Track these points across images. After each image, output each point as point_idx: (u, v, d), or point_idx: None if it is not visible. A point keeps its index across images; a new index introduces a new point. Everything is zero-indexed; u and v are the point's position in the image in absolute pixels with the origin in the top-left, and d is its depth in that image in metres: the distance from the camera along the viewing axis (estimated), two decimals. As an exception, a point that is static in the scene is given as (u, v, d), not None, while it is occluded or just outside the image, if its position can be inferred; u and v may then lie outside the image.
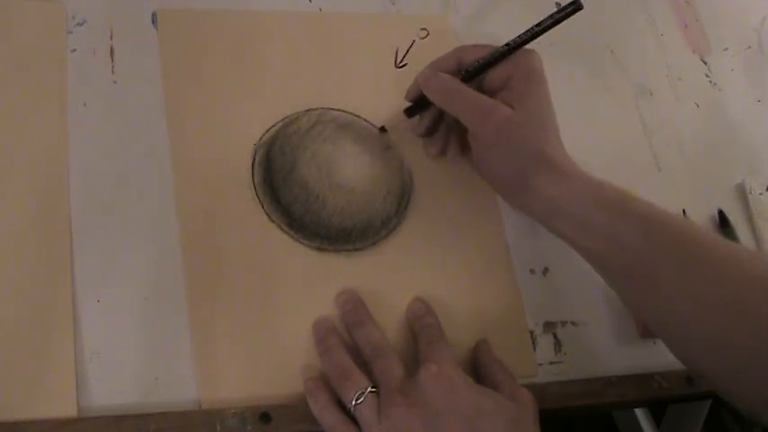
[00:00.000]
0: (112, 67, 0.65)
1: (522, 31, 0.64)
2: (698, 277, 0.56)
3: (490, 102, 0.63)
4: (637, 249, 0.58)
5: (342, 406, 0.55)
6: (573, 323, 0.66)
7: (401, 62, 0.73)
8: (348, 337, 0.60)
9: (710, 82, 0.85)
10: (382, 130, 0.69)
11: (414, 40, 0.74)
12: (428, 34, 0.75)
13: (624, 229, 0.58)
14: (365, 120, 0.69)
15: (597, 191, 0.60)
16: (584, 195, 0.60)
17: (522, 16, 0.80)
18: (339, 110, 0.69)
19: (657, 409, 1.17)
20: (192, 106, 0.65)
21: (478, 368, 0.60)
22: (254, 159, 0.64)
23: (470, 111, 0.63)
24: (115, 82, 0.64)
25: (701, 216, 0.75)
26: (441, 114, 0.67)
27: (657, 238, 0.57)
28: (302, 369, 0.58)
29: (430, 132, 0.68)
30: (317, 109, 0.68)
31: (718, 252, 0.57)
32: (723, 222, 0.75)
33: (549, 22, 0.63)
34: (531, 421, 0.56)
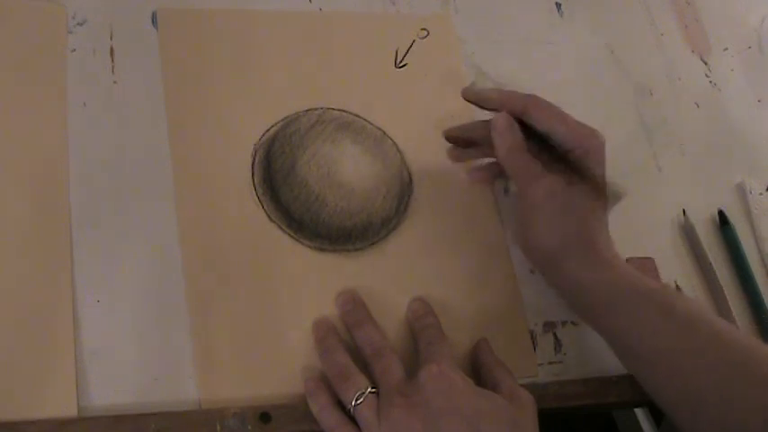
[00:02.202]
0: (112, 67, 0.65)
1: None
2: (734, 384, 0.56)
3: (544, 171, 0.62)
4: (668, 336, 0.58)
5: (342, 407, 0.55)
6: (573, 323, 0.66)
7: (401, 62, 0.73)
8: (348, 337, 0.60)
9: (710, 82, 0.85)
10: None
11: (414, 40, 0.74)
12: (428, 34, 0.75)
13: (651, 314, 0.59)
14: (365, 120, 0.69)
15: (631, 283, 0.60)
16: (614, 285, 0.60)
17: (521, 16, 0.80)
18: (339, 110, 0.69)
19: (657, 409, 1.17)
20: (192, 106, 0.65)
21: (478, 368, 0.60)
22: (253, 159, 0.64)
23: (525, 171, 0.62)
24: (115, 82, 0.64)
25: (701, 216, 0.75)
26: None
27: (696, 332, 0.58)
28: (302, 369, 0.58)
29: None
30: (317, 109, 0.68)
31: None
32: (723, 222, 0.75)
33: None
34: (531, 422, 0.56)
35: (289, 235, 0.62)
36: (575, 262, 0.60)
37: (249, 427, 0.54)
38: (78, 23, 0.65)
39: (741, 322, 0.70)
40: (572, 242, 0.61)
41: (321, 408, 0.55)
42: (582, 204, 0.61)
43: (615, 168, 0.74)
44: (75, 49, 0.64)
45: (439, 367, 0.55)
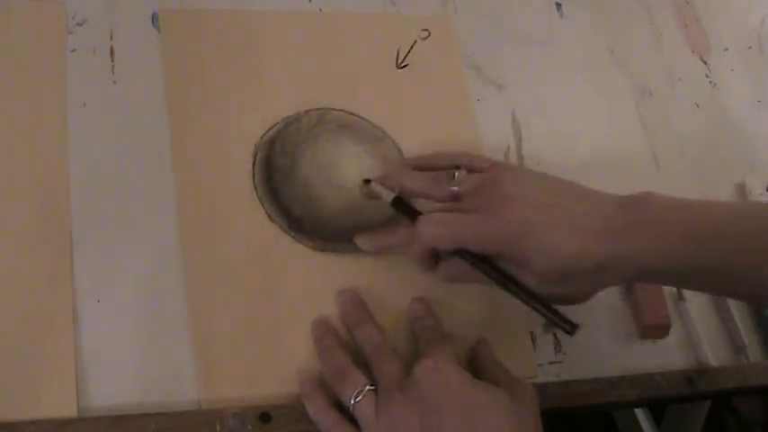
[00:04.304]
0: (112, 67, 0.65)
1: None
2: None
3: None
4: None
5: (339, 407, 0.55)
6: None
7: (402, 62, 0.73)
8: (348, 336, 0.60)
9: (710, 82, 0.85)
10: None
11: (415, 41, 0.74)
12: (429, 35, 0.75)
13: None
14: (366, 120, 0.69)
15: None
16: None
17: (522, 16, 0.80)
18: (340, 110, 0.69)
19: (657, 409, 1.17)
20: (192, 106, 0.65)
21: (478, 367, 0.60)
22: (254, 159, 0.64)
23: (496, 233, 0.56)
24: (115, 82, 0.64)
25: (701, 216, 0.75)
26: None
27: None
28: (302, 369, 0.58)
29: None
30: (318, 109, 0.68)
31: None
32: (723, 222, 0.75)
33: (541, 310, 0.57)
34: (532, 415, 0.55)
35: (289, 235, 0.62)
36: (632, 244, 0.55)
37: (249, 427, 0.54)
38: (78, 23, 0.65)
39: (741, 324, 0.70)
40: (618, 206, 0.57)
41: (318, 409, 0.55)
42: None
43: (615, 168, 0.74)
44: (75, 49, 0.64)
45: (435, 362, 0.55)
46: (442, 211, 0.59)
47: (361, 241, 0.62)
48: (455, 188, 0.59)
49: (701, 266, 0.56)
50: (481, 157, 0.65)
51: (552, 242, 0.55)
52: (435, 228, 0.57)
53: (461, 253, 0.57)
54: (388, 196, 0.61)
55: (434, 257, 0.60)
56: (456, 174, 0.59)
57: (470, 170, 0.60)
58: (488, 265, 0.57)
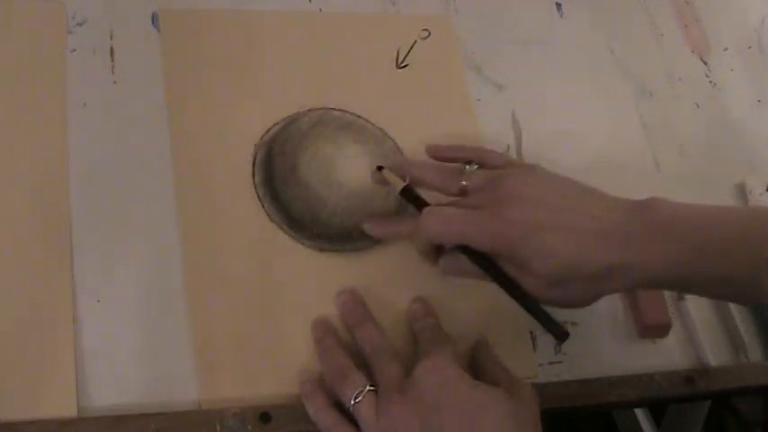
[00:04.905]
0: (112, 67, 0.65)
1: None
2: None
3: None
4: None
5: (339, 408, 0.55)
6: (573, 323, 0.66)
7: (402, 63, 0.73)
8: (348, 336, 0.60)
9: (710, 82, 0.85)
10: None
11: (415, 41, 0.74)
12: (429, 35, 0.75)
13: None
14: (366, 120, 0.69)
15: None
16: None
17: (522, 16, 0.81)
18: (340, 110, 0.69)
19: (657, 409, 1.17)
20: (192, 106, 0.65)
21: (478, 367, 0.60)
22: (254, 159, 0.64)
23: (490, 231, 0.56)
24: (115, 82, 0.64)
25: (701, 216, 0.75)
26: None
27: None
28: (302, 369, 0.58)
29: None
30: (318, 109, 0.68)
31: None
32: (723, 222, 0.75)
33: (533, 313, 0.57)
34: (532, 415, 0.55)
35: (289, 235, 0.62)
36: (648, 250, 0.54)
37: (249, 427, 0.54)
38: (78, 23, 0.65)
39: (741, 324, 0.70)
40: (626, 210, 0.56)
41: (317, 409, 0.55)
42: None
43: (615, 168, 0.74)
44: (75, 49, 0.64)
45: (434, 362, 0.55)
46: (449, 205, 0.59)
47: (368, 226, 0.63)
48: (464, 183, 0.59)
49: (706, 275, 0.55)
50: (498, 153, 0.65)
51: (553, 245, 0.54)
52: (438, 222, 0.57)
53: (463, 249, 0.57)
54: (398, 184, 0.61)
55: (437, 250, 0.60)
56: (467, 168, 0.60)
57: (483, 166, 0.60)
58: (488, 263, 0.57)
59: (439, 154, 0.65)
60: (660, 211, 0.56)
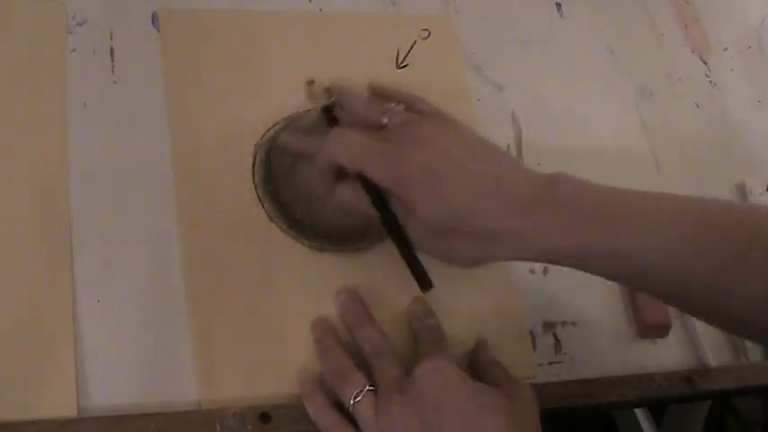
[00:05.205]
0: (112, 67, 0.65)
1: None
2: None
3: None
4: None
5: (339, 408, 0.55)
6: (573, 323, 0.66)
7: (402, 63, 0.73)
8: (348, 336, 0.60)
9: (710, 82, 0.85)
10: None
11: (415, 41, 0.74)
12: (429, 35, 0.75)
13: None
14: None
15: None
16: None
17: (522, 16, 0.81)
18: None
19: (657, 409, 1.17)
20: (192, 106, 0.65)
21: (477, 368, 0.60)
22: (254, 159, 0.64)
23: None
24: (115, 82, 0.64)
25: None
26: None
27: None
28: (302, 369, 0.58)
29: None
30: (318, 109, 0.68)
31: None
32: (723, 222, 0.75)
33: (405, 257, 0.58)
34: (532, 416, 0.55)
35: (289, 235, 0.62)
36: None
37: (249, 427, 0.54)
38: (78, 23, 0.65)
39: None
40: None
41: (317, 409, 0.55)
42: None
43: (615, 168, 0.74)
44: (75, 49, 0.64)
45: (434, 362, 0.55)
46: (358, 132, 0.59)
47: (284, 137, 0.64)
48: (384, 120, 0.59)
49: (609, 253, 0.53)
50: (431, 104, 0.62)
51: (442, 192, 0.53)
52: (342, 143, 0.57)
53: (361, 180, 0.57)
54: (321, 102, 0.63)
55: (336, 176, 0.59)
56: (393, 106, 0.60)
57: (410, 110, 0.60)
58: (378, 197, 0.56)
59: (376, 92, 0.65)
60: (566, 185, 0.54)
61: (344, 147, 0.57)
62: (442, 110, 0.61)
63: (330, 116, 0.63)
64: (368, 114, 0.61)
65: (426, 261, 0.59)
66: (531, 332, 0.65)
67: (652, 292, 0.57)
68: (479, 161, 0.56)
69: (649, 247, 0.52)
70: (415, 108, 0.61)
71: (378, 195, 0.57)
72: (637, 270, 0.53)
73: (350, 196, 0.58)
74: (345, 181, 0.59)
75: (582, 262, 0.54)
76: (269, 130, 0.66)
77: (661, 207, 0.54)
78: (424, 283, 0.57)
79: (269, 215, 0.63)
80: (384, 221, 0.57)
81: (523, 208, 0.53)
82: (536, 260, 0.56)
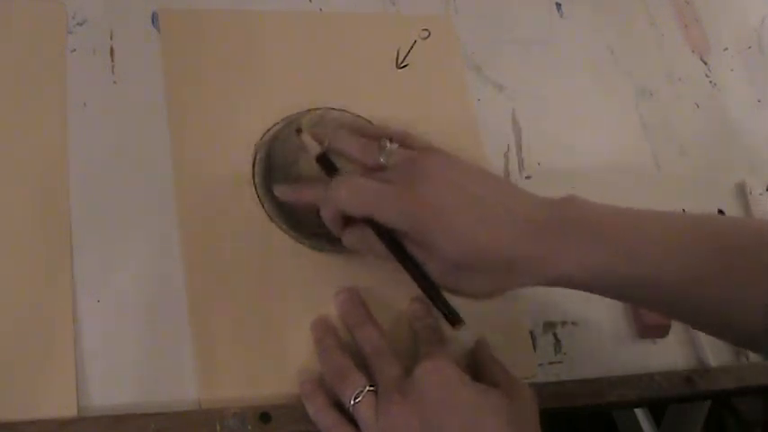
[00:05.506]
0: (112, 67, 0.65)
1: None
2: None
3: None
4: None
5: (339, 408, 0.55)
6: (573, 323, 0.66)
7: (402, 62, 0.73)
8: (348, 336, 0.60)
9: (710, 82, 0.85)
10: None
11: (415, 41, 0.74)
12: (429, 35, 0.75)
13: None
14: (367, 120, 0.69)
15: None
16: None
17: (522, 16, 0.81)
18: (341, 110, 0.69)
19: (657, 409, 1.17)
20: (192, 106, 0.65)
21: (477, 367, 0.60)
22: (254, 159, 0.64)
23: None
24: (115, 82, 0.64)
25: (701, 216, 0.75)
26: None
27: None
28: (302, 369, 0.58)
29: None
30: (318, 109, 0.68)
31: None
32: (723, 222, 0.75)
33: (430, 296, 0.57)
34: (531, 417, 0.55)
35: (289, 235, 0.62)
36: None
37: (249, 427, 0.54)
38: (78, 23, 0.65)
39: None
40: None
41: (317, 409, 0.55)
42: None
43: (615, 168, 0.74)
44: (75, 49, 0.64)
45: (434, 363, 0.55)
46: (364, 177, 0.57)
47: (279, 191, 0.62)
48: (382, 159, 0.58)
49: (623, 276, 0.53)
50: (421, 138, 0.61)
51: (462, 230, 0.53)
52: (348, 190, 0.56)
53: (370, 223, 0.56)
54: (315, 150, 0.60)
55: (344, 221, 0.58)
56: (388, 145, 0.58)
57: (403, 146, 0.59)
58: (392, 241, 0.56)
59: (363, 132, 0.63)
60: (576, 209, 0.54)
61: (350, 194, 0.56)
62: (430, 141, 0.60)
63: (328, 163, 0.60)
64: (364, 154, 0.59)
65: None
66: (531, 332, 0.65)
67: (666, 312, 0.58)
68: (486, 189, 0.56)
69: (665, 271, 0.53)
70: (407, 143, 0.59)
71: (390, 238, 0.56)
72: (651, 293, 0.54)
73: (360, 242, 0.58)
74: (351, 227, 0.58)
75: (596, 287, 0.55)
76: (269, 130, 0.66)
77: (674, 229, 0.55)
78: (455, 320, 0.56)
79: (269, 215, 0.63)
80: (403, 265, 0.56)
81: (537, 233, 0.53)
82: (552, 285, 0.56)
